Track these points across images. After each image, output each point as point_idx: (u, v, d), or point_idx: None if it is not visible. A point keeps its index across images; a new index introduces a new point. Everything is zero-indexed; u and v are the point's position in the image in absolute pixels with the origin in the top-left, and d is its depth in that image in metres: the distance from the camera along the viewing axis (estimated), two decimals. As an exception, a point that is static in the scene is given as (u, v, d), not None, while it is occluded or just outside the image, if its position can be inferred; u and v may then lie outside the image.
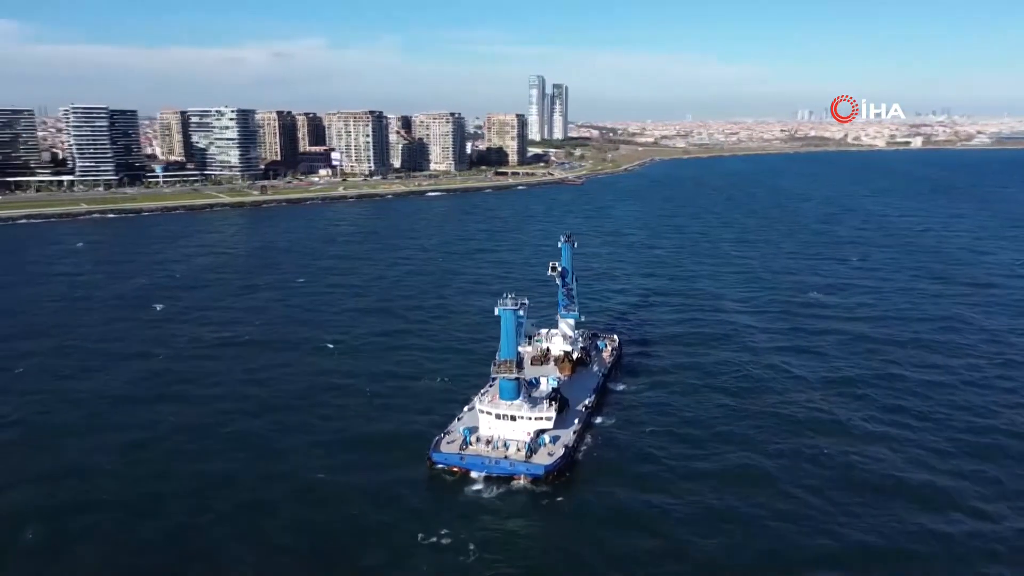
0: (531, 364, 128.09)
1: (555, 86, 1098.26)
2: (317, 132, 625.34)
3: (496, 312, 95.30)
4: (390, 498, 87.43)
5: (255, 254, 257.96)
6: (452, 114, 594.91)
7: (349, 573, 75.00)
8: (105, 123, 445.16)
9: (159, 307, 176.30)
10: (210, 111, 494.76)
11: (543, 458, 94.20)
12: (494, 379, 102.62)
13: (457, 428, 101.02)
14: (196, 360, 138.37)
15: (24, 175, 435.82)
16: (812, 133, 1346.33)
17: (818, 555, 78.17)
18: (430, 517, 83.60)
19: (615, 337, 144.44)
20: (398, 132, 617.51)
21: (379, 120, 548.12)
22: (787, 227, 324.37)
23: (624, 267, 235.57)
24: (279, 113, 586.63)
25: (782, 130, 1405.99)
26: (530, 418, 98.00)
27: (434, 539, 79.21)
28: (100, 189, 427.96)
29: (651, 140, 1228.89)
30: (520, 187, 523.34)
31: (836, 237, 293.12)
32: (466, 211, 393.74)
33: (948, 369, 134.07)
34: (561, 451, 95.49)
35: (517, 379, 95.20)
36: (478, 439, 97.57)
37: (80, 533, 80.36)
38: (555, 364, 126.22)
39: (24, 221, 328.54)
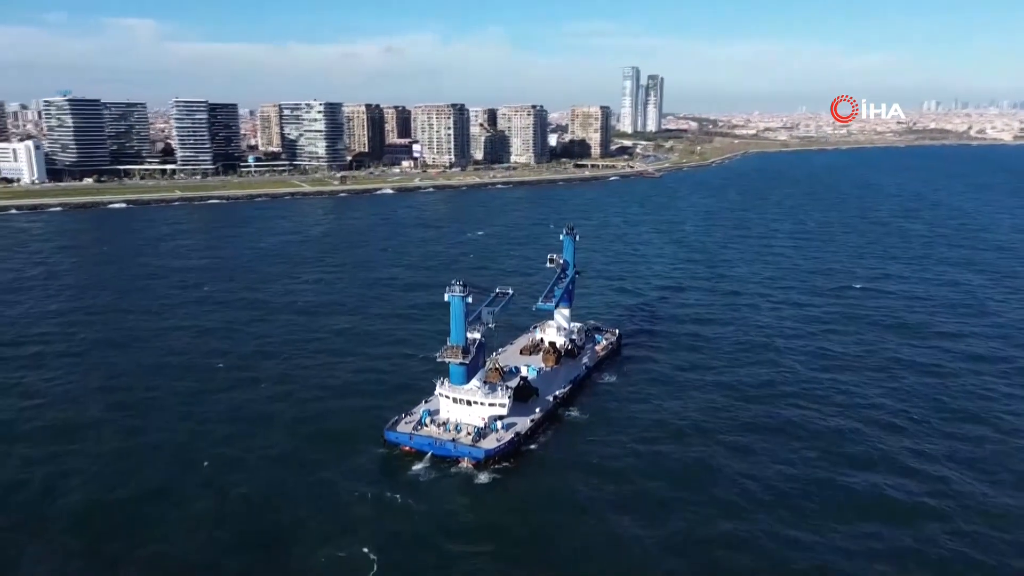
0: (520, 354, 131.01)
1: (650, 77, 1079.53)
2: (405, 125, 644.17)
3: (445, 298, 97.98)
4: (345, 466, 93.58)
5: (316, 240, 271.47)
6: (533, 106, 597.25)
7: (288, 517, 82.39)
8: (204, 116, 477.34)
9: (206, 288, 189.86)
10: (300, 104, 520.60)
11: (490, 443, 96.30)
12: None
13: (420, 409, 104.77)
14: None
15: (135, 164, 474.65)
16: (932, 125, 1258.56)
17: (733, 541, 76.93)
18: (364, 483, 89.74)
19: (615, 331, 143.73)
20: (481, 125, 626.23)
21: (460, 113, 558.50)
22: (856, 222, 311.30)
23: (661, 260, 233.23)
24: (367, 106, 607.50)
25: (899, 122, 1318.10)
26: (484, 403, 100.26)
27: (360, 495, 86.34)
28: (198, 178, 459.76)
29: (752, 133, 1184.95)
30: (597, 179, 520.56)
31: (904, 234, 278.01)
32: (533, 202, 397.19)
33: (949, 371, 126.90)
34: (509, 437, 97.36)
35: (464, 364, 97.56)
36: (433, 421, 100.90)
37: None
38: (543, 355, 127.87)
39: (123, 206, 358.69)
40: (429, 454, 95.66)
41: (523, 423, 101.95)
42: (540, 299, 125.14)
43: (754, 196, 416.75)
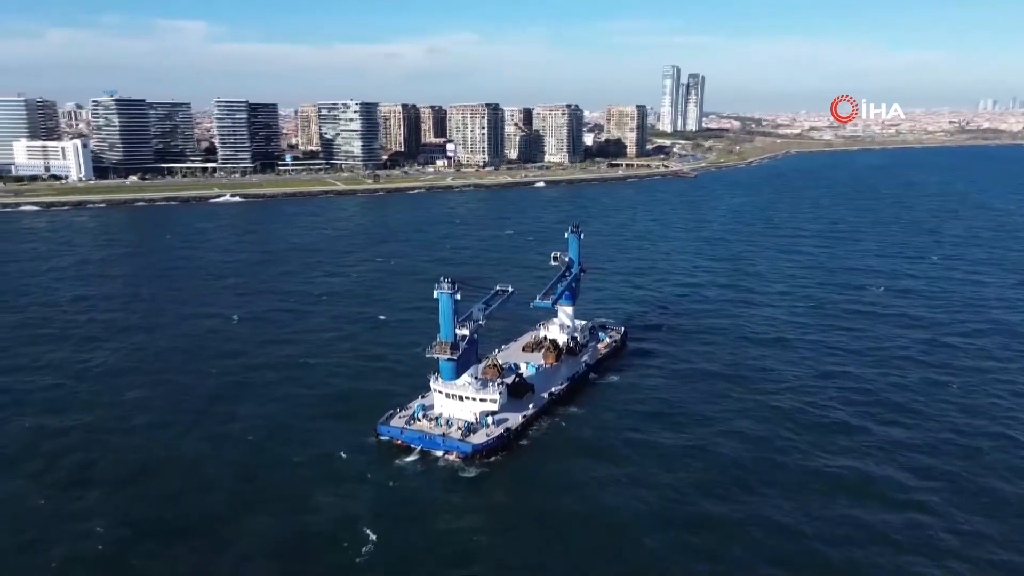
0: (523, 351, 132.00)
1: (690, 75, 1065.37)
2: (441, 124, 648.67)
3: (435, 295, 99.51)
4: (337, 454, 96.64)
5: (345, 236, 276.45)
6: (568, 106, 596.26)
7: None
8: (244, 115, 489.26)
9: (232, 280, 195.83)
10: (337, 104, 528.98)
11: (479, 438, 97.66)
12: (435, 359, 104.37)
13: (414, 404, 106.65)
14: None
15: (178, 162, 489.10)
16: (986, 125, 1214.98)
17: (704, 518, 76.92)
18: (354, 471, 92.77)
19: (620, 329, 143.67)
20: (516, 124, 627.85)
21: (495, 112, 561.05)
22: (887, 222, 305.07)
23: (683, 257, 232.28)
24: (404, 106, 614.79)
25: (951, 122, 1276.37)
26: (475, 399, 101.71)
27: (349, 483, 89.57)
28: (237, 175, 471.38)
29: (796, 132, 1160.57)
30: (631, 179, 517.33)
31: (937, 234, 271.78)
32: (565, 201, 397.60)
33: (940, 383, 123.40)
34: (499, 432, 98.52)
35: (452, 360, 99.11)
36: (426, 415, 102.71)
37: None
38: (543, 352, 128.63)
39: (162, 203, 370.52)
40: (419, 448, 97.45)
41: (515, 419, 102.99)
42: (539, 296, 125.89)
43: (788, 195, 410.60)
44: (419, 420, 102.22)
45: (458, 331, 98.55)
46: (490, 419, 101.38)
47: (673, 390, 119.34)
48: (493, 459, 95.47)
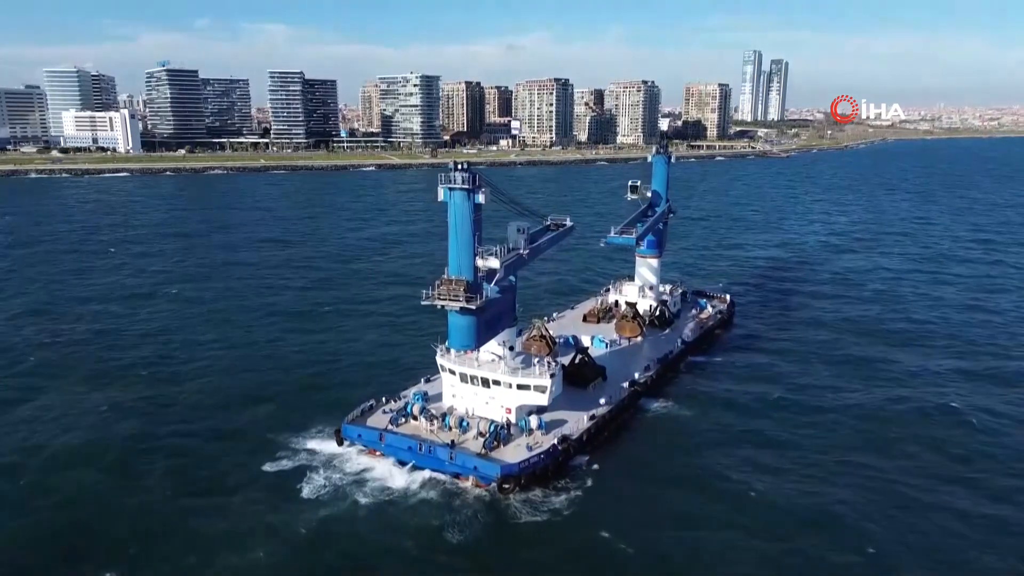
0: (584, 320, 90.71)
1: (773, 62, 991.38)
2: (507, 105, 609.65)
3: (440, 196, 57.15)
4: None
5: (388, 206, 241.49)
6: (644, 82, 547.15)
7: None
8: (298, 88, 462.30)
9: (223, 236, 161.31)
10: (397, 78, 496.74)
11: (514, 452, 57.04)
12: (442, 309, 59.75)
13: (411, 391, 66.82)
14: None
15: (235, 138, 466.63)
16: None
17: None
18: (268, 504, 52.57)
19: (726, 297, 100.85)
20: (586, 104, 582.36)
21: (564, 88, 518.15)
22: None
23: (776, 232, 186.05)
24: (467, 84, 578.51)
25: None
26: (511, 385, 60.87)
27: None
28: (288, 151, 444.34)
29: (888, 124, 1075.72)
30: (709, 159, 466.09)
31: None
32: (636, 176, 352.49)
33: None
34: (548, 445, 57.61)
35: (470, 312, 56.94)
36: (425, 411, 62.37)
37: None
38: (616, 322, 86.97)
39: (208, 173, 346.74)
40: (409, 464, 57.46)
41: (575, 421, 62.02)
42: (613, 229, 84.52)
43: (883, 174, 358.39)
44: (413, 417, 62.22)
45: (480, 262, 57.29)
46: (534, 419, 60.62)
47: (799, 393, 75.89)
48: (537, 492, 54.52)
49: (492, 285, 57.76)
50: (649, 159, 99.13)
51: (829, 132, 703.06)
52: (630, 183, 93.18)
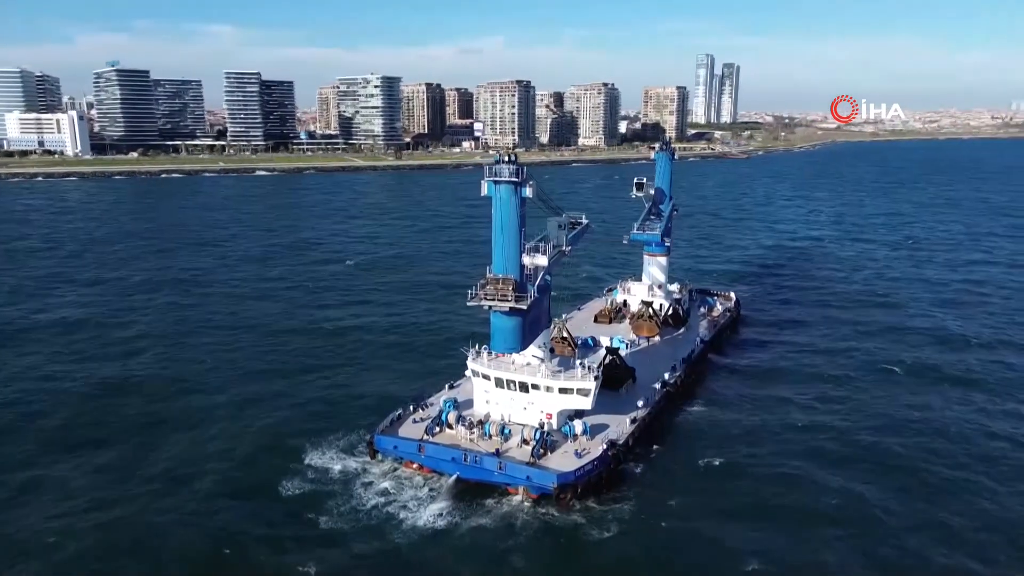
0: (594, 321, 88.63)
1: (725, 66, 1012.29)
2: (467, 107, 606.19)
3: (483, 191, 53.98)
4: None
5: (361, 207, 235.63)
6: (605, 84, 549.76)
7: None
8: (256, 89, 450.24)
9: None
10: (357, 79, 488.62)
11: (560, 460, 54.55)
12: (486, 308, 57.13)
13: (438, 398, 63.72)
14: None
15: (187, 140, 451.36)
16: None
17: None
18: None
19: (731, 295, 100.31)
20: (547, 106, 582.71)
21: (526, 90, 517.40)
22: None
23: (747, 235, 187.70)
24: (427, 85, 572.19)
25: (993, 117, 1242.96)
26: (553, 389, 58.34)
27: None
28: (247, 154, 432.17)
29: (833, 126, 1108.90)
30: (691, 159, 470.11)
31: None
32: (606, 176, 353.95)
33: None
34: (599, 451, 55.25)
35: (518, 313, 54.10)
36: (461, 419, 59.35)
37: None
38: (630, 321, 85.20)
39: (164, 176, 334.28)
40: (454, 476, 54.38)
41: (619, 425, 59.80)
42: (636, 226, 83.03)
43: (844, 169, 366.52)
44: (449, 426, 59.11)
45: (527, 259, 54.46)
46: (579, 424, 58.13)
47: (820, 384, 76.05)
48: (592, 503, 52.11)
49: (532, 285, 55.11)
50: (652, 157, 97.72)
51: (782, 134, 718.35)
52: (635, 180, 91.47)
